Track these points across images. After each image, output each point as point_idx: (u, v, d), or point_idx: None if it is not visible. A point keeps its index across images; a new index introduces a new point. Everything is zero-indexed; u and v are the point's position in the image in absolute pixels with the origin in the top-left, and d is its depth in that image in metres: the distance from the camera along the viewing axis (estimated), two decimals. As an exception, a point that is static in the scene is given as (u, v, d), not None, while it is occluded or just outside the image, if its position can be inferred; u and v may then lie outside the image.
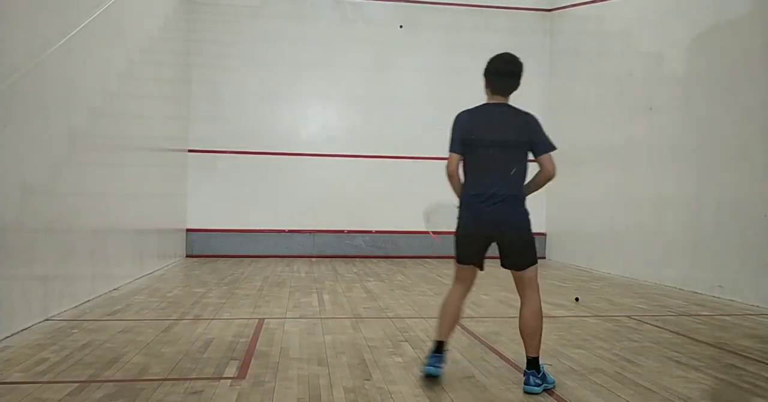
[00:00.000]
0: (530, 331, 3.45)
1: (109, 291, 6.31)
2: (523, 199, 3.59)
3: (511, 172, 3.55)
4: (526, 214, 3.55)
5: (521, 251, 3.48)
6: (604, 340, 4.64)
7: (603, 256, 9.12)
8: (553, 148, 3.70)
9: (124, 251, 6.93)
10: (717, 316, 5.71)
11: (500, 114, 3.67)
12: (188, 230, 10.00)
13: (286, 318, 5.28)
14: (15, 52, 4.38)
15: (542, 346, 4.40)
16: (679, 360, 4.08)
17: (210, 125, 10.07)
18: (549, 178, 3.69)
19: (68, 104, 5.33)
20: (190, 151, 9.99)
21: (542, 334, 3.48)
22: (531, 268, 3.48)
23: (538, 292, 3.51)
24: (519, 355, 4.13)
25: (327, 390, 3.31)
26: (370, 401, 3.16)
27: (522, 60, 3.86)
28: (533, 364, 3.38)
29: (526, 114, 3.68)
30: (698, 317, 5.65)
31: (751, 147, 6.48)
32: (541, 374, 3.37)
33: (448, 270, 9.00)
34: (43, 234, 4.83)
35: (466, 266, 3.67)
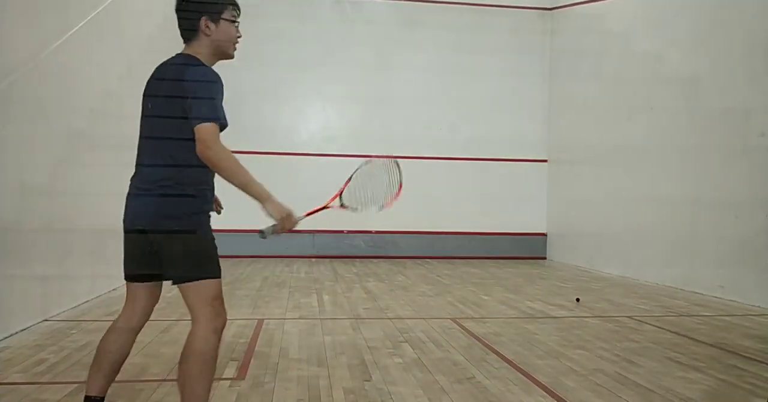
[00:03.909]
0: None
1: (109, 291, 6.30)
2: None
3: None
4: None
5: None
6: (605, 340, 4.63)
7: (603, 256, 9.11)
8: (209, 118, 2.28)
9: (124, 251, 6.91)
10: (718, 317, 5.70)
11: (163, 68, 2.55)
12: (188, 230, 9.98)
13: (285, 318, 5.27)
14: (15, 52, 4.38)
15: (543, 346, 4.41)
16: (680, 360, 4.07)
17: (210, 125, 10.06)
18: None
19: (68, 104, 5.32)
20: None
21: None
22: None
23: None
24: (520, 355, 4.13)
25: (327, 391, 3.30)
26: (370, 402, 3.15)
27: None
28: None
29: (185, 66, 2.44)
30: (699, 318, 5.64)
31: (751, 147, 6.47)
32: None
33: (448, 270, 9.03)
34: (43, 234, 4.83)
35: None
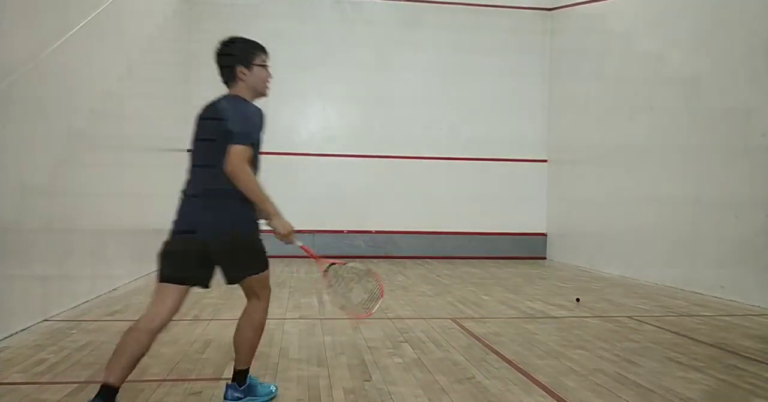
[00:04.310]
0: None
1: (109, 291, 6.30)
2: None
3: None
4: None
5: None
6: (605, 340, 4.63)
7: (603, 256, 9.11)
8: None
9: (124, 251, 6.92)
10: (718, 317, 5.70)
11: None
12: (188, 230, 9.98)
13: (285, 318, 5.27)
14: (15, 52, 4.38)
15: (543, 346, 4.41)
16: (680, 361, 4.07)
17: (210, 125, 10.06)
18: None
19: (68, 104, 5.32)
20: (189, 151, 9.96)
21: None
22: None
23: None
24: (520, 355, 4.13)
25: (327, 391, 3.30)
26: (370, 402, 3.15)
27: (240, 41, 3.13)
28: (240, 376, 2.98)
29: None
30: (699, 318, 5.64)
31: (751, 147, 6.47)
32: (244, 388, 2.97)
33: (448, 270, 9.02)
34: (43, 234, 4.83)
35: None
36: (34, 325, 4.65)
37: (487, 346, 4.39)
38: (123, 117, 6.72)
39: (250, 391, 3.00)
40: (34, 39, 4.66)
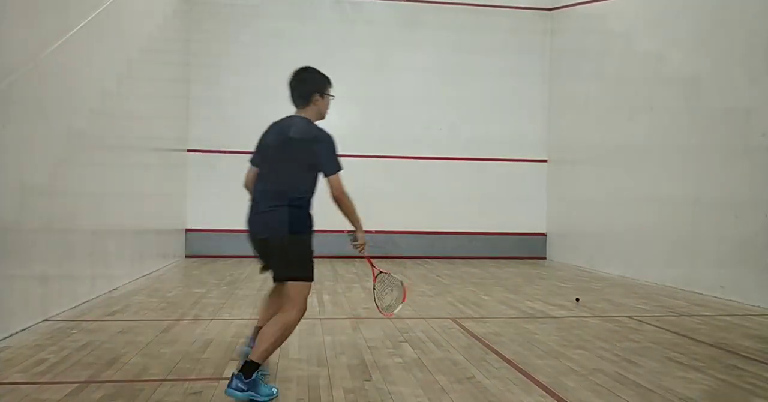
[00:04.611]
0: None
1: (109, 291, 6.30)
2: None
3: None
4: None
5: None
6: (605, 340, 4.63)
7: (603, 256, 9.11)
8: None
9: (124, 251, 6.92)
10: (718, 317, 5.70)
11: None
12: (187, 230, 9.99)
13: (286, 318, 5.27)
14: (15, 52, 4.38)
15: (543, 346, 4.41)
16: (680, 360, 4.07)
17: (210, 125, 10.06)
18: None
19: (68, 104, 5.32)
20: (189, 151, 9.97)
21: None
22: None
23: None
24: (520, 355, 4.13)
25: (327, 390, 3.30)
26: (370, 402, 3.15)
27: (314, 72, 3.59)
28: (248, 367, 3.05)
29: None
30: (699, 318, 5.64)
31: (751, 147, 6.47)
32: (249, 381, 3.01)
33: (448, 270, 9.02)
34: (43, 234, 4.83)
35: None
36: (34, 325, 4.65)
37: (487, 346, 4.40)
38: (123, 117, 6.72)
39: (254, 386, 3.03)
40: (34, 39, 4.66)
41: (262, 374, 3.16)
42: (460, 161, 10.64)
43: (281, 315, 3.12)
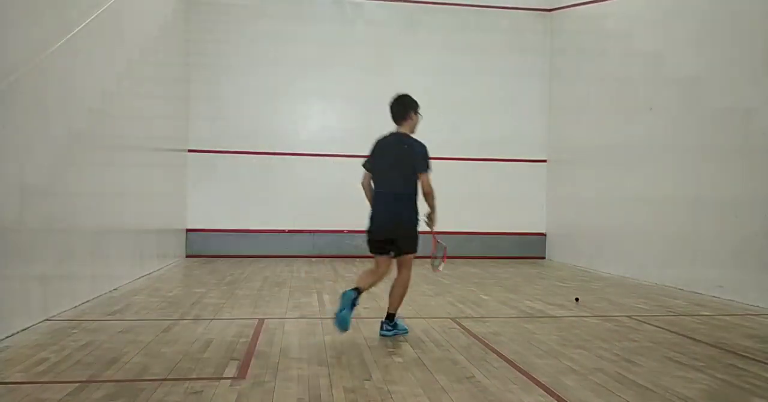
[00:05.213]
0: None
1: (109, 291, 6.30)
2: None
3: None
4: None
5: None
6: (605, 340, 4.63)
7: (603, 256, 9.12)
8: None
9: (124, 251, 6.93)
10: (717, 317, 5.71)
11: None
12: (188, 230, 9.99)
13: (286, 318, 5.28)
14: (15, 52, 4.38)
15: (543, 346, 4.43)
16: (680, 360, 4.08)
17: (210, 125, 10.07)
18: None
19: (68, 104, 5.33)
20: (189, 151, 9.98)
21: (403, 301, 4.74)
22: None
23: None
24: (519, 355, 4.14)
25: (327, 390, 3.31)
26: (370, 401, 3.16)
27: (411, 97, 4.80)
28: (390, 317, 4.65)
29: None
30: (699, 317, 5.65)
31: (751, 147, 6.48)
32: (393, 323, 4.63)
33: (448, 270, 8.99)
34: (43, 234, 4.83)
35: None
36: (34, 324, 4.66)
37: (486, 345, 4.40)
38: (123, 117, 6.72)
39: (396, 326, 4.65)
40: (34, 39, 4.66)
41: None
42: (459, 161, 10.64)
43: (401, 277, 4.64)
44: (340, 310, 4.24)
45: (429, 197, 4.57)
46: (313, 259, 9.89)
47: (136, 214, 7.27)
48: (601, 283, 7.84)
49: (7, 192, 4.28)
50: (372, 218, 4.65)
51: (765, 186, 6.29)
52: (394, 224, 4.53)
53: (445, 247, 4.87)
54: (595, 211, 9.37)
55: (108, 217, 6.34)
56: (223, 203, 10.07)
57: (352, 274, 8.34)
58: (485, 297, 6.57)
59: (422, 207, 4.67)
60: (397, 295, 4.63)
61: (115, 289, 6.45)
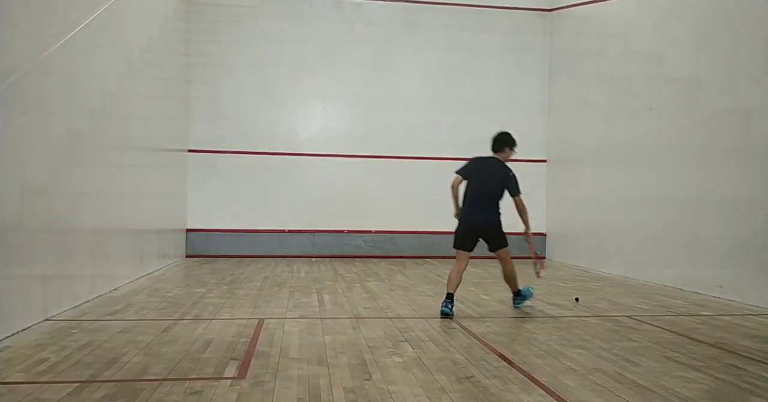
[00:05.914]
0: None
1: (109, 291, 6.31)
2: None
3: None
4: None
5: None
6: (604, 340, 4.64)
7: (603, 256, 9.12)
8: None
9: (124, 251, 6.93)
10: (717, 316, 5.71)
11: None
12: (188, 230, 9.99)
13: (286, 318, 5.28)
14: (15, 52, 4.38)
15: (542, 345, 4.44)
16: (679, 360, 4.08)
17: (210, 125, 10.07)
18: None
19: (68, 104, 5.33)
20: (190, 151, 9.98)
21: (517, 286, 5.87)
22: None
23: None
24: (519, 354, 4.14)
25: (327, 390, 3.31)
26: (370, 401, 3.16)
27: (510, 135, 6.08)
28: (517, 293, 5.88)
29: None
30: (698, 317, 5.65)
31: (751, 147, 6.48)
32: (520, 296, 5.85)
33: (448, 270, 8.97)
34: (43, 234, 4.83)
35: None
36: (35, 324, 4.66)
37: (486, 345, 4.41)
38: (123, 117, 6.73)
39: (524, 297, 5.88)
40: (34, 39, 4.66)
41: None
42: (459, 161, 10.61)
43: (505, 268, 5.78)
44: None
45: (524, 214, 5.71)
46: (313, 259, 9.89)
47: (136, 214, 7.28)
48: (600, 283, 7.84)
49: (7, 192, 4.28)
50: (464, 217, 5.66)
51: (765, 186, 6.29)
52: (488, 223, 5.64)
53: (543, 258, 5.45)
54: (595, 211, 9.37)
55: (108, 217, 6.34)
56: (223, 203, 10.07)
57: (352, 274, 8.35)
58: (485, 297, 6.57)
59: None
60: (510, 279, 5.79)
61: (115, 289, 6.46)
